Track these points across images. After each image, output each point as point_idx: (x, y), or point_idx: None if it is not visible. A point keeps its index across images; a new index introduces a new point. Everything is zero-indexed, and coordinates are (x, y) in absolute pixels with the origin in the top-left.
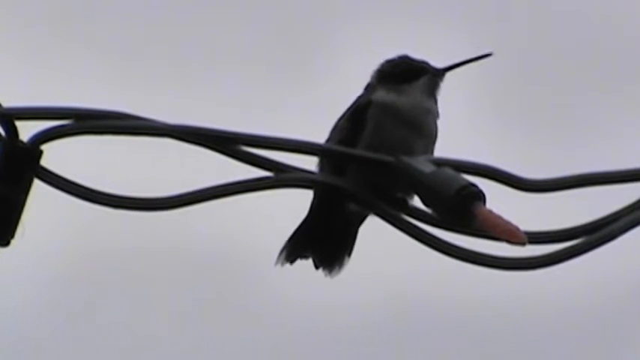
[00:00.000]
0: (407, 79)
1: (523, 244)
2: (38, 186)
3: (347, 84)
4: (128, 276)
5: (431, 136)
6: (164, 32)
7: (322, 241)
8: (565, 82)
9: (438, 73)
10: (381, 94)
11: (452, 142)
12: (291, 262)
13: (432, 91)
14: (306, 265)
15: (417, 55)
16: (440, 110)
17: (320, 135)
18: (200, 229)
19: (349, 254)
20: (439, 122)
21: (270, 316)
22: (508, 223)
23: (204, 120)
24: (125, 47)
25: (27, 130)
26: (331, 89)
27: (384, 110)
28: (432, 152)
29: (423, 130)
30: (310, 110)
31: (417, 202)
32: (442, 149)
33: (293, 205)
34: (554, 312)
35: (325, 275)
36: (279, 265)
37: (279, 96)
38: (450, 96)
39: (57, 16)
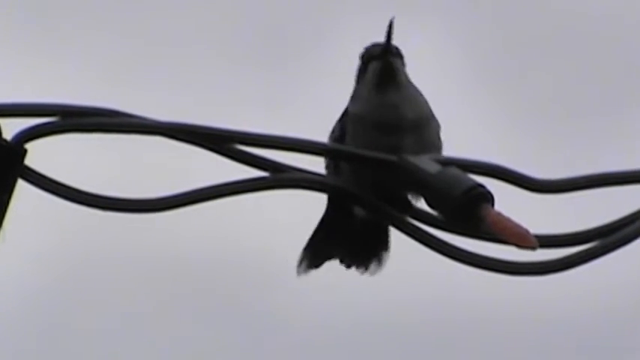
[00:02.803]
0: (362, 75)
1: (534, 248)
2: (22, 187)
3: (347, 80)
4: (118, 280)
5: (415, 127)
6: (155, 26)
7: (349, 241)
8: (579, 77)
9: (382, 55)
10: (350, 102)
11: (459, 140)
12: (316, 266)
13: (380, 79)
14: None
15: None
16: (410, 91)
17: (319, 133)
18: (193, 232)
19: (386, 249)
20: (419, 105)
21: (267, 317)
22: (518, 225)
23: (198, 117)
24: (114, 41)
25: (10, 127)
26: (331, 85)
27: (354, 120)
28: (434, 140)
29: (396, 126)
30: (309, 107)
31: (422, 203)
32: (448, 148)
33: (291, 207)
34: (567, 318)
35: (362, 274)
36: (300, 275)
37: (276, 92)
38: (455, 93)
39: (41, 8)
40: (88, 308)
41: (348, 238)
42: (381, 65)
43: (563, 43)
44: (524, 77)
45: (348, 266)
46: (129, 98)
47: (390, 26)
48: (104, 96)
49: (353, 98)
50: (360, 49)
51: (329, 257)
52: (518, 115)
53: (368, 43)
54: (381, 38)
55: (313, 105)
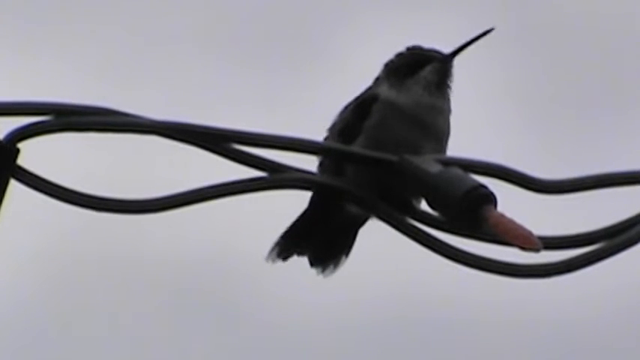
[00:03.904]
0: (411, 72)
1: (537, 250)
2: (15, 187)
3: (347, 79)
4: (113, 282)
5: (439, 136)
6: (150, 24)
7: (318, 239)
8: (585, 75)
9: (444, 61)
10: (385, 90)
11: (461, 139)
12: (284, 258)
13: (438, 82)
14: (299, 265)
15: (428, 44)
16: (451, 103)
17: (318, 132)
18: (189, 233)
19: (347, 254)
20: (451, 118)
21: (264, 318)
22: (521, 227)
23: (194, 116)
24: (109, 39)
25: (3, 126)
26: (330, 84)
27: (388, 107)
28: (443, 153)
29: (429, 129)
30: (308, 106)
31: (423, 204)
32: (450, 147)
33: (289, 207)
34: (571, 320)
35: (318, 274)
36: (269, 262)
37: (274, 91)
38: (458, 89)
39: (36, 5)
40: (82, 310)
41: (320, 236)
42: (445, 69)
43: (570, 40)
44: (529, 75)
45: (311, 264)
46: (124, 97)
47: (483, 35)
48: (99, 94)
49: (394, 88)
50: (361, 47)
51: (297, 251)
52: (522, 114)
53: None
54: (384, 35)
55: (311, 104)
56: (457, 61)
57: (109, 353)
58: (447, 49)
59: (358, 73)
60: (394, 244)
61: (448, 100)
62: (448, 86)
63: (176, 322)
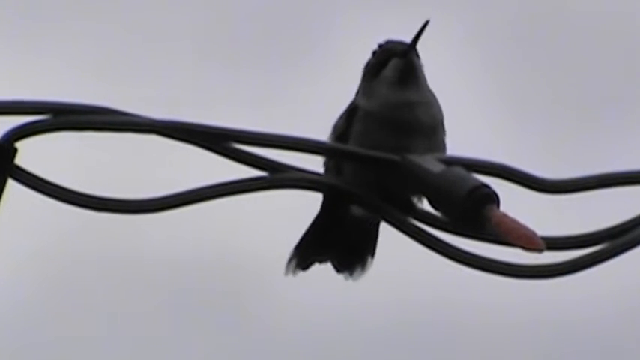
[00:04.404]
0: (376, 73)
1: (540, 250)
2: (13, 187)
3: (348, 76)
4: (111, 283)
5: (422, 131)
6: (149, 22)
7: (338, 243)
8: (588, 73)
9: (403, 54)
10: (360, 97)
11: (463, 138)
12: (304, 268)
13: (400, 77)
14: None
15: (403, 37)
16: (429, 93)
17: (319, 132)
18: (189, 233)
19: (372, 254)
20: (437, 107)
21: (264, 319)
22: (524, 227)
23: (194, 115)
24: (107, 38)
25: (0, 126)
26: (331, 82)
27: (364, 115)
28: (441, 145)
29: (405, 127)
30: (308, 105)
31: (425, 204)
32: (452, 146)
33: (289, 208)
34: (574, 321)
35: (347, 279)
36: (289, 274)
37: (275, 89)
38: (460, 89)
39: (34, 3)
40: (81, 310)
41: (339, 240)
42: (405, 63)
43: (572, 39)
44: (531, 73)
45: (337, 270)
46: (122, 96)
47: (424, 27)
48: (97, 93)
49: (364, 94)
50: (355, 47)
51: (318, 259)
52: (525, 113)
53: (381, 40)
54: (385, 32)
55: (311, 103)
56: (422, 52)
57: (109, 354)
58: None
59: (358, 71)
60: (396, 244)
61: (420, 92)
62: (414, 78)
63: (175, 322)
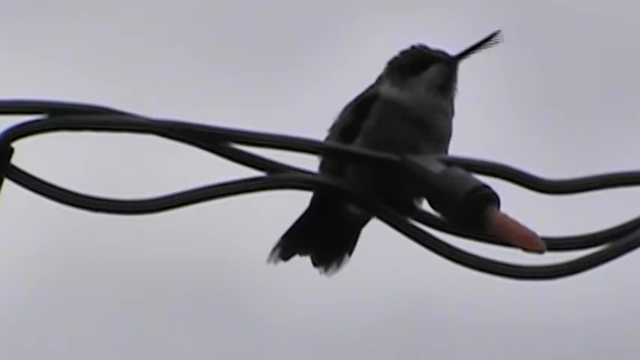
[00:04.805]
0: (415, 71)
1: (541, 251)
2: (9, 187)
3: (349, 77)
4: (109, 283)
5: (440, 137)
6: (148, 22)
7: (321, 239)
8: (589, 73)
9: (450, 62)
10: (387, 88)
11: (463, 138)
12: (286, 259)
13: (442, 83)
14: (299, 265)
15: (433, 44)
16: (455, 105)
17: (317, 131)
18: (188, 233)
19: (350, 253)
20: (454, 120)
21: (263, 318)
22: (525, 228)
23: (192, 115)
24: (105, 37)
25: None
26: (331, 82)
27: (388, 106)
28: (444, 153)
29: (430, 129)
30: (308, 105)
31: (425, 205)
32: (453, 146)
33: (288, 208)
34: (575, 323)
35: (321, 273)
36: (271, 263)
37: (274, 89)
38: (461, 88)
39: (31, 2)
40: (78, 310)
41: (323, 235)
42: (450, 71)
43: (573, 39)
44: (532, 73)
45: (314, 263)
46: (120, 95)
47: (491, 37)
48: (94, 93)
49: (395, 85)
50: (363, 45)
51: (300, 251)
52: (526, 113)
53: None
54: (381, 38)
55: (310, 103)
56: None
57: (105, 353)
58: (451, 50)
59: (358, 71)
60: (395, 245)
61: (451, 103)
62: (452, 89)
63: (173, 322)
